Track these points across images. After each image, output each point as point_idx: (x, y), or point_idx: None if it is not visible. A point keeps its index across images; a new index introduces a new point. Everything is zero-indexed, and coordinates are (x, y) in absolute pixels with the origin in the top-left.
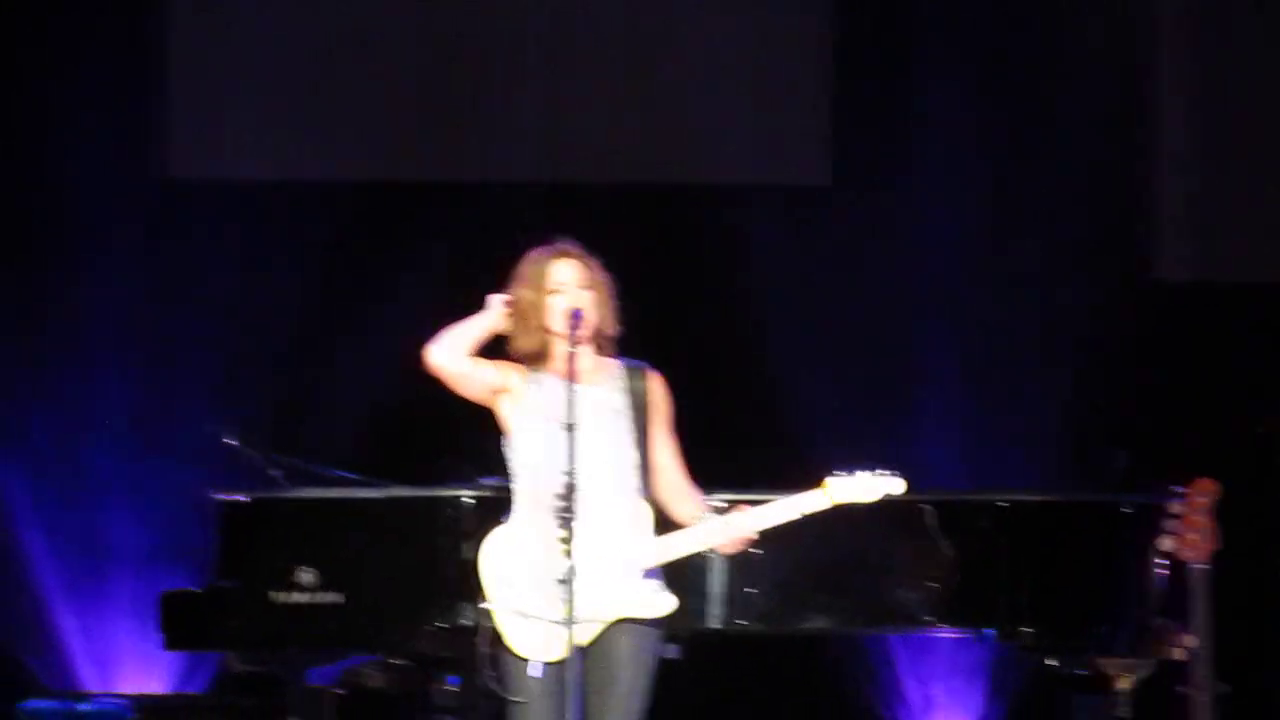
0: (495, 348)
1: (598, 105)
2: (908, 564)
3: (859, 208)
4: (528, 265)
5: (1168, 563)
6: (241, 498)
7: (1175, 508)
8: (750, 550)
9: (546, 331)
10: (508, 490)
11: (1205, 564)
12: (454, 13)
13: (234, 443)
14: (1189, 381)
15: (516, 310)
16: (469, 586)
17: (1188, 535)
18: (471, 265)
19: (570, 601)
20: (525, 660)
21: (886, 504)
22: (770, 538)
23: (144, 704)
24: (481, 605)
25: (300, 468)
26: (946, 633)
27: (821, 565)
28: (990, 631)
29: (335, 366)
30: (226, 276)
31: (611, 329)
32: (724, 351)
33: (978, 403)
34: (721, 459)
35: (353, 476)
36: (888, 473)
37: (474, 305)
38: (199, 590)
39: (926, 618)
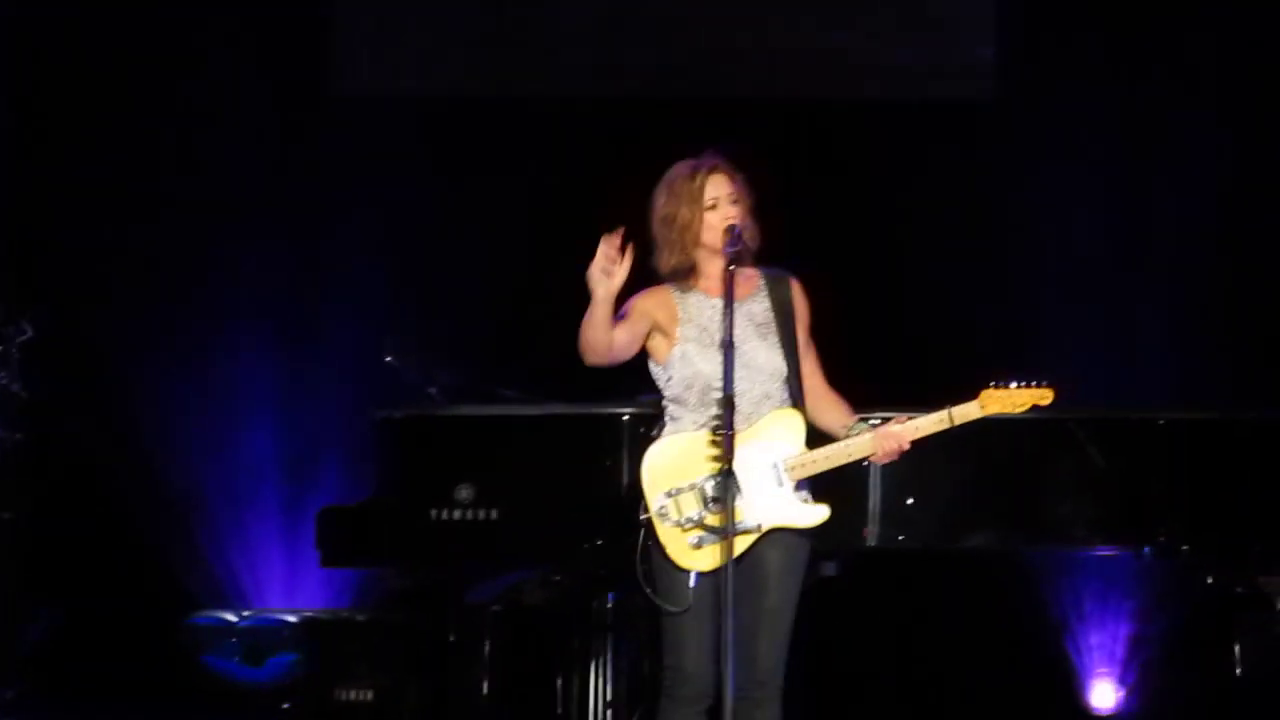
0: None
1: (771, 22)
2: (1066, 481)
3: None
4: (678, 181)
5: None
6: (399, 414)
7: None
8: (906, 466)
9: (700, 247)
10: (662, 407)
11: None
12: None
13: (395, 360)
14: None
15: (666, 227)
16: (627, 502)
17: None
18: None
19: (727, 513)
20: (684, 571)
21: (1045, 422)
22: (929, 457)
23: (303, 620)
24: (641, 517)
25: (460, 385)
26: (1105, 550)
27: (981, 484)
28: (1149, 549)
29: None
30: (393, 190)
31: (755, 241)
32: (888, 266)
33: (1129, 317)
34: (880, 377)
35: (511, 394)
36: (1038, 384)
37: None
38: (356, 507)
39: (1085, 535)
